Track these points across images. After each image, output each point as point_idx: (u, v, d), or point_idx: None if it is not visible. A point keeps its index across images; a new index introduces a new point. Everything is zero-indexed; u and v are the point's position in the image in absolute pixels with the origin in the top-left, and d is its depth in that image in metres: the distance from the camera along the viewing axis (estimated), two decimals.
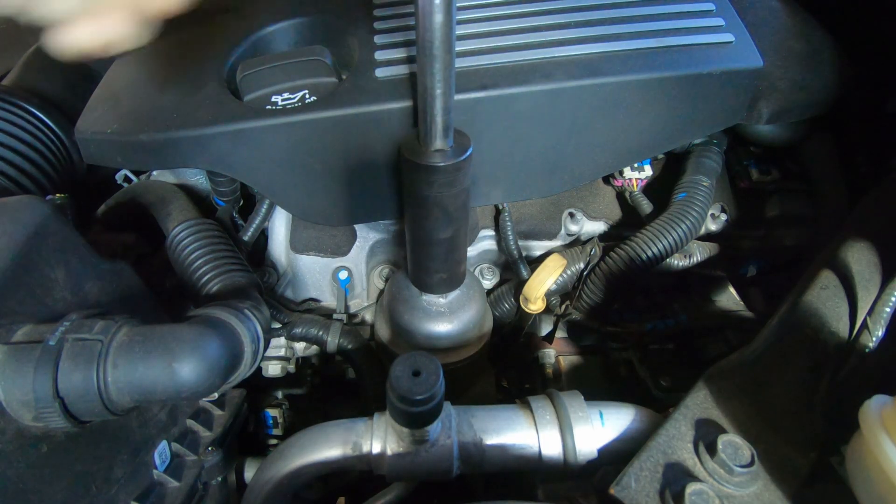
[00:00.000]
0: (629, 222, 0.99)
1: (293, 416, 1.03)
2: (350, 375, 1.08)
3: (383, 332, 0.91)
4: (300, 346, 0.98)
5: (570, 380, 1.01)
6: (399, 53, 0.74)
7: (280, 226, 0.95)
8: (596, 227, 1.00)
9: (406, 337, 0.87)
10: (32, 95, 0.93)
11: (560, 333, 1.07)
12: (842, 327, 0.65)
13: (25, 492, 0.50)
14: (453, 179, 0.65)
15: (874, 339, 0.61)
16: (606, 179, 1.00)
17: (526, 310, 0.91)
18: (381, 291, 1.00)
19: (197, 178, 0.96)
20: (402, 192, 0.72)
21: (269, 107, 0.72)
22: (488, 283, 1.02)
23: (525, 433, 0.64)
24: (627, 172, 0.95)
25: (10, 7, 0.44)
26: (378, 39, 0.76)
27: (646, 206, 0.95)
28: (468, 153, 0.64)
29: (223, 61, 0.78)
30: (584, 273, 0.93)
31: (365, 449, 0.62)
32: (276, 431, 1.00)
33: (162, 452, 0.67)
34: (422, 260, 0.78)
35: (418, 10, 0.54)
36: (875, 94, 0.94)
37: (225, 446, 0.73)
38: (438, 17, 0.53)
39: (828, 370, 0.61)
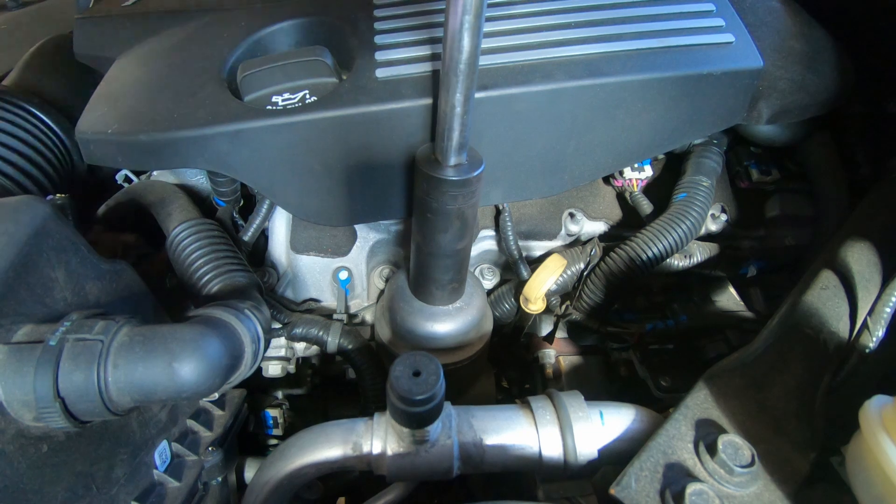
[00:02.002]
0: (629, 222, 0.99)
1: (293, 416, 1.03)
2: (350, 375, 1.08)
3: (383, 332, 0.91)
4: (300, 347, 0.98)
5: (570, 380, 1.01)
6: (399, 54, 0.74)
7: (280, 226, 0.95)
8: (596, 227, 1.00)
9: (406, 337, 0.87)
10: (32, 95, 0.93)
11: (560, 333, 1.07)
12: (842, 327, 0.65)
13: (25, 492, 0.50)
14: (474, 191, 0.67)
15: (874, 339, 0.62)
16: (606, 179, 1.00)
17: (526, 310, 0.91)
18: (382, 292, 1.00)
19: (197, 178, 0.96)
20: (414, 207, 0.72)
21: (269, 107, 0.73)
22: (488, 283, 1.02)
23: (525, 433, 0.64)
24: (627, 172, 0.95)
25: None
26: (378, 40, 0.76)
27: (646, 206, 0.95)
28: (483, 166, 0.66)
29: (223, 61, 0.78)
30: (585, 273, 0.93)
31: (365, 449, 0.62)
32: (276, 431, 1.00)
33: (162, 452, 0.67)
34: (433, 272, 0.78)
35: (447, 31, 0.55)
36: (875, 94, 0.94)
37: (225, 446, 0.73)
38: (467, 40, 0.54)
39: (828, 370, 0.61)
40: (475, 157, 0.68)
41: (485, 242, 0.98)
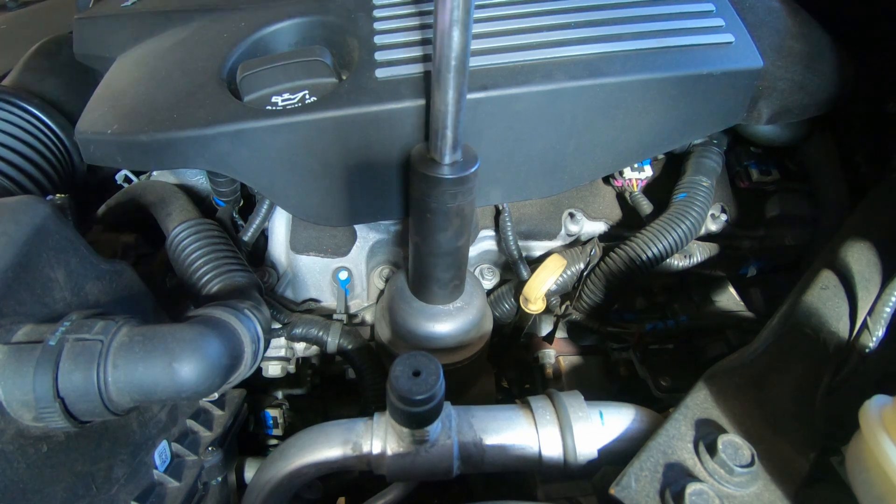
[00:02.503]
0: (629, 222, 0.99)
1: (293, 416, 1.03)
2: (350, 375, 1.08)
3: (383, 332, 0.91)
4: (300, 347, 0.98)
5: (570, 380, 1.01)
6: (399, 54, 0.74)
7: (280, 226, 0.95)
8: (596, 227, 1.00)
9: (406, 337, 0.87)
10: (32, 95, 0.93)
11: (560, 333, 1.07)
12: (842, 327, 0.65)
13: (25, 492, 0.50)
14: (470, 188, 0.66)
15: (874, 339, 0.61)
16: (606, 179, 1.00)
17: (526, 310, 0.91)
18: (381, 292, 1.00)
19: (197, 178, 0.96)
20: (411, 207, 0.72)
21: (269, 107, 0.73)
22: (488, 284, 1.02)
23: (525, 433, 0.64)
24: (627, 172, 0.95)
25: None
26: (378, 39, 0.76)
27: (646, 206, 0.95)
28: (479, 163, 0.66)
29: (223, 61, 0.78)
30: (584, 273, 0.93)
31: (365, 449, 0.62)
32: (276, 431, 1.00)
33: (162, 452, 0.67)
34: (432, 271, 0.78)
35: (437, 27, 0.55)
36: (875, 94, 0.94)
37: (225, 446, 0.73)
38: (456, 36, 0.55)
39: (828, 370, 0.61)
40: (470, 153, 0.68)
41: (485, 242, 0.98)
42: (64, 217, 0.59)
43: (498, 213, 0.94)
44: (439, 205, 0.67)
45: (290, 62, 0.73)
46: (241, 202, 0.94)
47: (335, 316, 0.97)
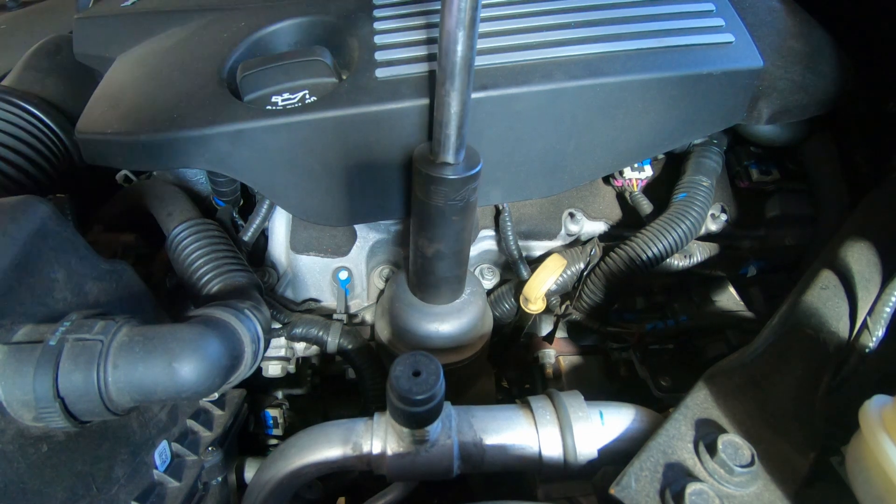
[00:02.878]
0: (629, 222, 0.99)
1: (293, 416, 1.03)
2: (350, 375, 1.08)
3: (383, 332, 0.91)
4: (300, 347, 0.98)
5: (570, 380, 1.01)
6: (399, 54, 0.74)
7: (280, 226, 0.95)
8: (596, 227, 1.00)
9: (406, 337, 0.87)
10: (32, 95, 0.93)
11: (560, 333, 1.07)
12: (842, 327, 0.65)
13: (25, 492, 0.50)
14: (472, 189, 0.67)
15: (874, 339, 0.62)
16: (606, 179, 1.00)
17: (526, 310, 0.91)
18: (382, 292, 1.00)
19: (197, 178, 0.96)
20: (412, 207, 0.72)
21: (269, 107, 0.73)
22: (488, 283, 1.02)
23: (525, 433, 0.64)
24: (627, 172, 0.95)
25: None
26: (378, 39, 0.76)
27: (646, 206, 0.95)
28: (481, 164, 0.66)
29: (223, 61, 0.78)
30: (584, 273, 0.93)
31: (365, 449, 0.62)
32: (276, 431, 1.00)
33: (162, 452, 0.67)
34: (432, 271, 0.78)
35: (443, 29, 0.55)
36: (875, 94, 0.94)
37: (225, 446, 0.73)
38: (462, 38, 0.55)
39: (828, 370, 0.61)
40: (473, 154, 0.68)
41: (485, 242, 0.98)
42: (64, 217, 0.59)
43: (498, 213, 0.94)
44: (441, 205, 0.67)
45: (290, 62, 0.73)
46: (241, 202, 0.94)
47: (335, 316, 0.97)
